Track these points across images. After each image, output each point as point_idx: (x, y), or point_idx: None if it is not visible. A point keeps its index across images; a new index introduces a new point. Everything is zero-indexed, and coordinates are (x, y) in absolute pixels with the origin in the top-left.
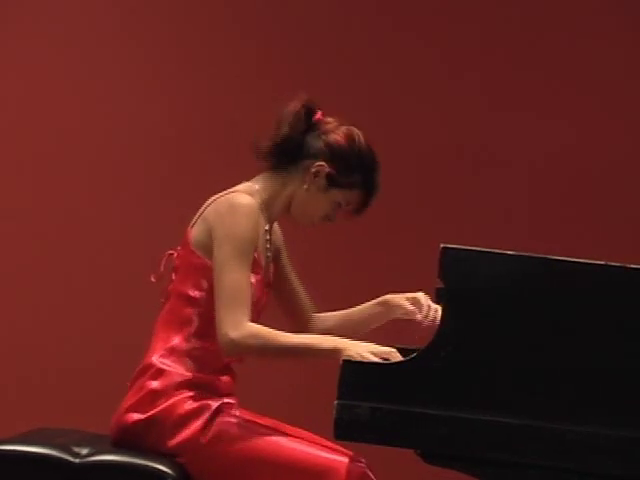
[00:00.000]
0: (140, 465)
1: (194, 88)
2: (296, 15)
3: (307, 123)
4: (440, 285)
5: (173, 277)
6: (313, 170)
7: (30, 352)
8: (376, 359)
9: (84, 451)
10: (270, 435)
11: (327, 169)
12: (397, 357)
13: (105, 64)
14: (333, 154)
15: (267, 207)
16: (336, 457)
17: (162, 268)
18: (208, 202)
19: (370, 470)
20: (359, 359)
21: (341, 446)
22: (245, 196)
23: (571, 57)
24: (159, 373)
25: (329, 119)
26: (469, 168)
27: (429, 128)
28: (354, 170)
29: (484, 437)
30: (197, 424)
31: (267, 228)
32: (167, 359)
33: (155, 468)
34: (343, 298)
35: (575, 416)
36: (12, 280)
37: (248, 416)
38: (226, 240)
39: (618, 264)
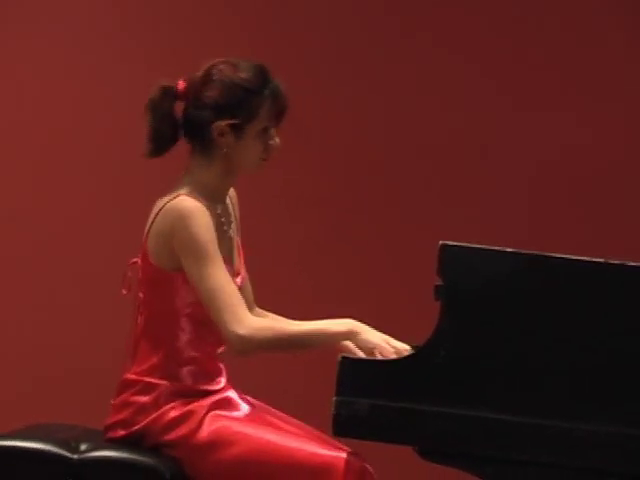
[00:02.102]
0: (138, 461)
1: None
2: (296, 15)
3: (178, 99)
4: (439, 282)
5: (140, 290)
6: (216, 136)
7: (29, 348)
8: (380, 357)
9: (83, 447)
10: (266, 434)
11: (224, 123)
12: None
13: (105, 64)
14: (217, 109)
15: (211, 190)
16: (335, 453)
17: (129, 276)
18: (156, 209)
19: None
20: (369, 353)
21: (340, 443)
22: (188, 199)
23: (574, 55)
24: (146, 387)
25: (189, 80)
26: (469, 165)
27: (429, 125)
28: (244, 100)
29: (483, 434)
30: (187, 427)
31: (219, 211)
32: (152, 375)
33: (154, 464)
34: (342, 293)
35: (575, 413)
36: (11, 277)
37: (249, 404)
38: (189, 250)
39: (617, 261)
